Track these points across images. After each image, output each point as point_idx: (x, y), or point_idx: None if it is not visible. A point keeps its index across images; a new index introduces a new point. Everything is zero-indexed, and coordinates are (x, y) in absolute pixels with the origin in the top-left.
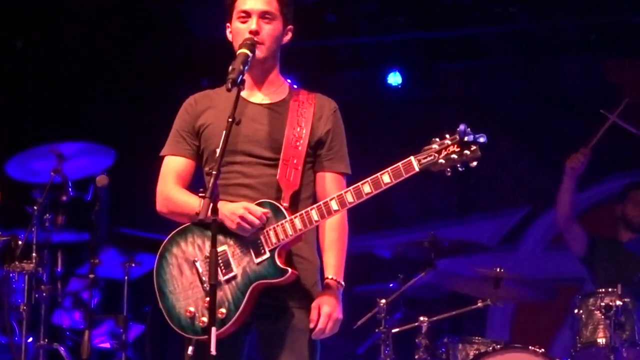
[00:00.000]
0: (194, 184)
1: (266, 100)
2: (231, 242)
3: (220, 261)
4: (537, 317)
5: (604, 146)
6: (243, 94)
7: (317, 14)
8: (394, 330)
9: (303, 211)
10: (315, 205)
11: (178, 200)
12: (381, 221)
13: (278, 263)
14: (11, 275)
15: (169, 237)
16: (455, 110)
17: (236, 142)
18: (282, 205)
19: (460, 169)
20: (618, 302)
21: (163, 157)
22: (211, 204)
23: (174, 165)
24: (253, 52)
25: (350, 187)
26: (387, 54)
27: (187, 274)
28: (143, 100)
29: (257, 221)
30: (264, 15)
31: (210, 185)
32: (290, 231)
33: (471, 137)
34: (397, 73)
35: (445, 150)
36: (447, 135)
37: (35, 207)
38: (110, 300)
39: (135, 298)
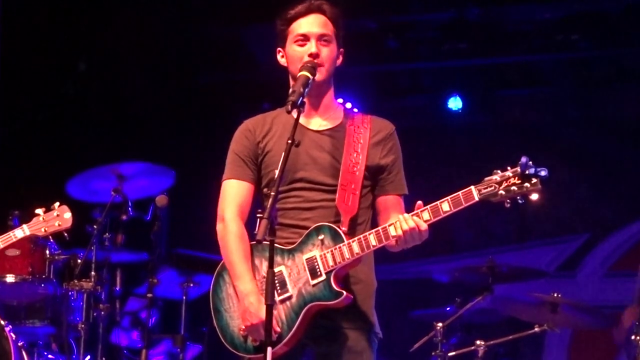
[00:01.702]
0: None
1: (323, 127)
2: (289, 263)
3: (277, 281)
4: (594, 344)
5: None
6: (301, 120)
7: (378, 40)
8: (450, 354)
9: (361, 235)
10: (374, 230)
11: (232, 257)
12: (440, 247)
13: (333, 285)
14: (70, 293)
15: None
16: (515, 136)
17: (295, 169)
18: (340, 229)
19: (520, 201)
20: None
21: (223, 181)
22: (269, 225)
23: (235, 190)
24: (314, 74)
25: (410, 214)
26: (448, 79)
27: None
28: (204, 122)
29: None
30: (321, 38)
31: (269, 206)
32: (347, 254)
33: (532, 170)
34: (458, 97)
35: (506, 182)
36: (509, 167)
37: (95, 227)
38: (168, 320)
39: (192, 318)
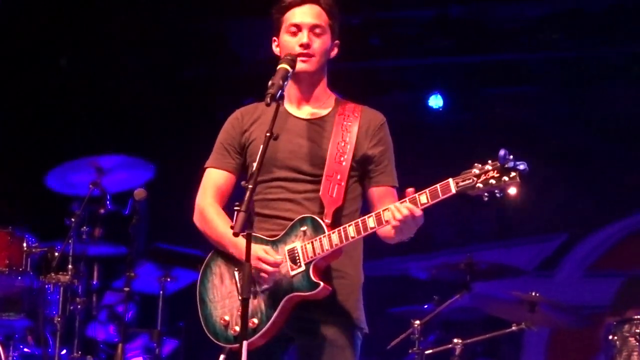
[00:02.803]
0: (234, 197)
1: (312, 115)
2: (266, 249)
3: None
4: (572, 343)
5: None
6: (289, 107)
7: (361, 36)
8: (427, 352)
9: (341, 227)
10: (353, 222)
11: (217, 229)
12: (418, 244)
13: (312, 276)
14: (47, 286)
15: (212, 251)
16: (497, 135)
17: (280, 157)
18: (323, 221)
19: (497, 194)
20: None
21: (205, 168)
22: (246, 218)
23: (215, 178)
24: (293, 67)
25: (389, 205)
26: (430, 77)
27: (227, 283)
28: (184, 116)
29: (270, 269)
30: (314, 29)
31: (246, 199)
32: (326, 245)
33: (511, 164)
34: (439, 96)
35: (485, 175)
36: (489, 161)
37: (73, 220)
38: (145, 314)
39: (170, 313)
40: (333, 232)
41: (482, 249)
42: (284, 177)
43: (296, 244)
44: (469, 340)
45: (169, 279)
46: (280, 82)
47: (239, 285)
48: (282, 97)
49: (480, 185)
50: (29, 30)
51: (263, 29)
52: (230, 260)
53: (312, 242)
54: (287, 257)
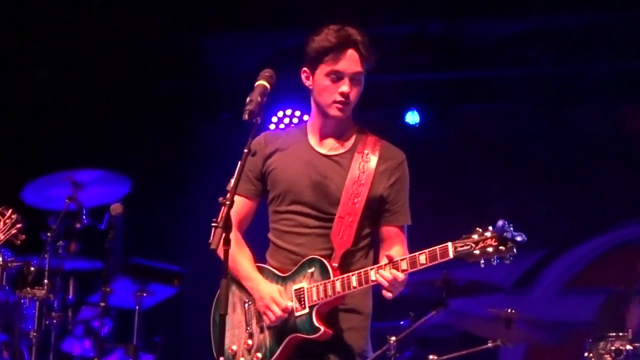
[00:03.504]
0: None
1: (333, 151)
2: (281, 290)
3: None
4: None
5: (620, 190)
6: (311, 139)
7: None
8: None
9: (345, 276)
10: (356, 272)
11: (234, 258)
12: None
13: (314, 320)
14: (22, 301)
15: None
16: (473, 151)
17: (296, 191)
18: (330, 265)
19: (493, 262)
20: (628, 347)
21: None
22: (222, 235)
23: (235, 204)
24: (271, 84)
25: (390, 262)
26: (407, 93)
27: (238, 312)
28: (162, 131)
29: (278, 312)
30: (354, 77)
31: (223, 215)
32: (329, 292)
33: (509, 234)
34: (415, 112)
35: (483, 242)
36: (490, 228)
37: (49, 234)
38: (120, 329)
39: (146, 328)
40: (337, 279)
41: (458, 266)
42: (298, 211)
43: (303, 284)
44: (444, 357)
45: (145, 294)
46: (259, 99)
47: (247, 317)
48: (259, 112)
49: (478, 252)
50: (4, 43)
51: (239, 44)
52: (243, 290)
53: (317, 286)
54: (294, 296)
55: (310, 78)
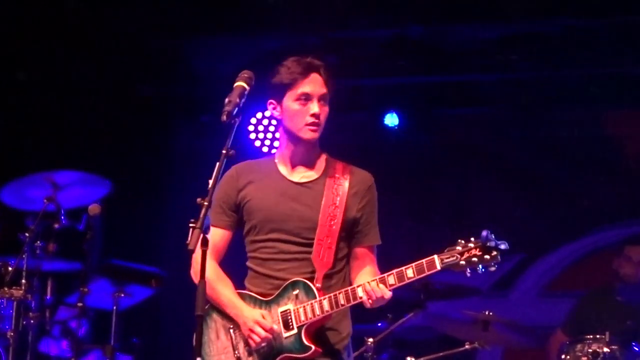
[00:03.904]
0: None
1: (305, 179)
2: (264, 313)
3: None
4: None
5: (598, 195)
6: (282, 170)
7: (318, 55)
8: None
9: (332, 294)
10: (343, 290)
11: (216, 289)
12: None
13: (304, 339)
14: (0, 301)
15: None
16: (452, 155)
17: (275, 220)
18: (314, 285)
19: (479, 271)
20: (605, 349)
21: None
22: (200, 235)
23: (211, 236)
24: (250, 85)
25: (377, 277)
26: (387, 97)
27: (223, 339)
28: (141, 133)
29: (262, 334)
30: (322, 99)
31: (201, 216)
32: (317, 311)
33: (493, 243)
34: (394, 114)
35: (468, 253)
36: (472, 239)
37: (27, 234)
38: (98, 330)
39: (123, 329)
40: (324, 299)
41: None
42: (277, 238)
43: (289, 306)
44: (422, 359)
45: (122, 295)
46: (237, 100)
47: (234, 342)
48: (238, 114)
49: (463, 262)
50: None
51: (220, 47)
52: (226, 317)
53: (304, 307)
54: (280, 318)
55: (278, 108)
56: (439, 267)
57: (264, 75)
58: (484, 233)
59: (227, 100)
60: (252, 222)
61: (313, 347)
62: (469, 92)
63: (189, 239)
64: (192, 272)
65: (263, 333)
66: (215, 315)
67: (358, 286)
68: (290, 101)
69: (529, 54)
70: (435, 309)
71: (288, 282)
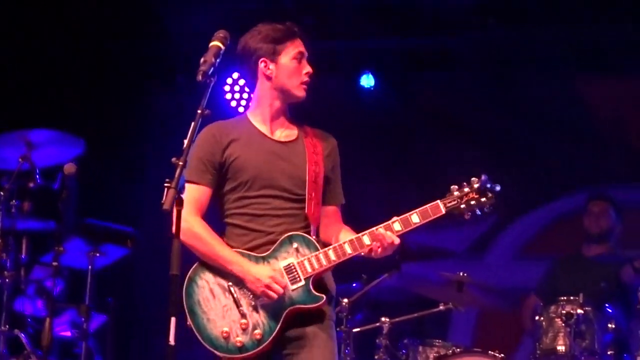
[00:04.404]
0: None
1: (285, 138)
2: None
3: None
4: (501, 324)
5: (571, 159)
6: (262, 129)
7: (294, 17)
8: (355, 330)
9: (337, 244)
10: (347, 240)
11: (213, 247)
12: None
13: (312, 290)
14: None
15: (198, 262)
16: (427, 117)
17: (266, 177)
18: (313, 238)
19: (478, 213)
20: (579, 311)
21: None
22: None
23: (195, 194)
24: (226, 45)
25: (382, 225)
26: (363, 59)
27: (221, 297)
28: (116, 92)
29: (281, 290)
30: (307, 60)
31: (176, 176)
32: (324, 262)
33: (488, 185)
34: (370, 75)
35: (466, 197)
36: (465, 183)
37: (1, 193)
38: (73, 289)
39: (98, 288)
40: (329, 249)
41: (412, 231)
42: (270, 194)
43: (290, 260)
44: (396, 319)
45: (97, 255)
46: (213, 60)
47: (236, 298)
48: (214, 74)
49: (464, 206)
50: None
51: (193, 4)
52: (221, 274)
53: (309, 259)
54: (284, 272)
55: (271, 65)
56: (443, 211)
57: (239, 36)
58: (483, 177)
59: (202, 60)
60: (240, 179)
61: (324, 296)
62: (444, 54)
63: (164, 198)
64: (185, 232)
65: (280, 289)
66: (205, 274)
67: (363, 234)
68: (288, 59)
69: (503, 17)
70: (410, 270)
71: (284, 236)
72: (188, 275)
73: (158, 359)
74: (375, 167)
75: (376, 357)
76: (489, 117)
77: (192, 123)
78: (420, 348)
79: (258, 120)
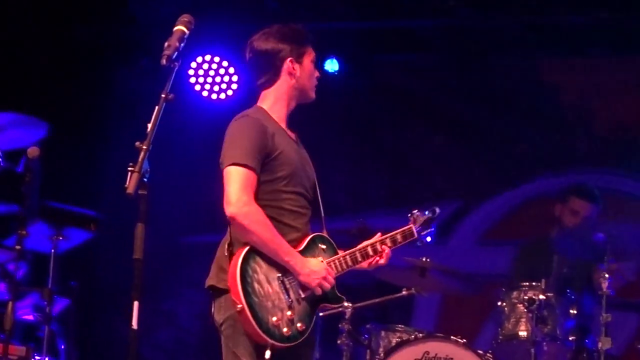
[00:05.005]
0: None
1: (295, 138)
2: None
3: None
4: (463, 310)
5: (536, 144)
6: (282, 125)
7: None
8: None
9: (361, 246)
10: (368, 244)
11: (274, 236)
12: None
13: (336, 290)
14: None
15: (249, 247)
16: (391, 101)
17: (300, 175)
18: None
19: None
20: (541, 296)
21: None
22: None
23: (253, 180)
24: (190, 29)
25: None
26: (327, 41)
27: (273, 284)
28: (80, 75)
29: (333, 284)
30: None
31: (140, 160)
32: (350, 262)
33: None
34: (334, 60)
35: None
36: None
37: None
38: (36, 273)
39: (61, 272)
40: (356, 250)
41: (374, 215)
42: (301, 192)
43: (320, 259)
44: (359, 304)
45: (60, 238)
46: (177, 44)
47: (288, 289)
48: (177, 58)
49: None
50: None
51: None
52: (271, 263)
53: (338, 259)
54: None
55: (296, 66)
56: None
57: (203, 20)
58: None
59: (166, 44)
60: (284, 172)
61: (344, 297)
62: (408, 38)
63: (128, 182)
64: (250, 217)
65: (333, 282)
66: (257, 260)
67: (378, 241)
68: (309, 61)
69: (467, 0)
70: None
71: (314, 235)
72: (242, 256)
73: (121, 343)
74: (341, 153)
75: (339, 341)
76: (454, 100)
77: (156, 107)
78: (383, 333)
79: (276, 117)
